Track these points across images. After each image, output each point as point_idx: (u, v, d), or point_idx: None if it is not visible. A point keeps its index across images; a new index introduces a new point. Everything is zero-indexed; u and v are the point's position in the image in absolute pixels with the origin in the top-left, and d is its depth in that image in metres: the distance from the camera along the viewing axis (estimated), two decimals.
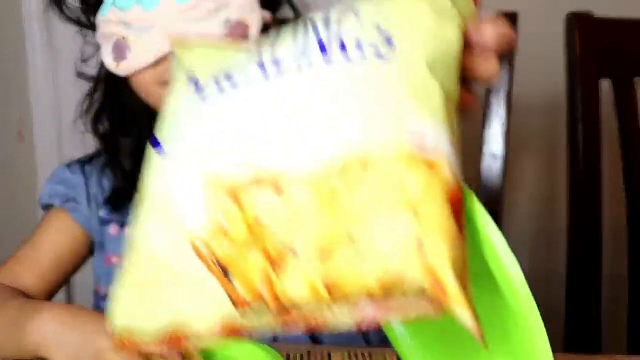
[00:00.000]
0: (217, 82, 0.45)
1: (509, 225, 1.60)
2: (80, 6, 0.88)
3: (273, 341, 0.90)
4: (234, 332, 0.40)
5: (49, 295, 0.89)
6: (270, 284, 0.39)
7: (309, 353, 0.78)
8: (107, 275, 0.92)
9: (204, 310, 0.41)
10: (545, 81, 1.60)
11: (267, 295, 0.39)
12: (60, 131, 1.98)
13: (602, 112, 1.14)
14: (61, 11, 0.90)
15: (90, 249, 0.94)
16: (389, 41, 0.41)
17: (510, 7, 1.13)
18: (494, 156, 1.13)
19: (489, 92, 1.12)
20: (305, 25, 0.45)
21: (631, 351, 1.19)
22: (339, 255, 0.38)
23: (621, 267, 1.21)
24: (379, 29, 0.41)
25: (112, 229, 0.91)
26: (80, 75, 0.93)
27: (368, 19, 0.42)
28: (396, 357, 0.64)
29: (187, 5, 0.79)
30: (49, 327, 0.70)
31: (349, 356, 0.79)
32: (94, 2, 0.85)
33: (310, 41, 0.43)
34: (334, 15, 0.44)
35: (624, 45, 1.15)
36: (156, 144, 0.48)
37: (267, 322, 0.40)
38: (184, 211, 0.43)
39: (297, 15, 0.94)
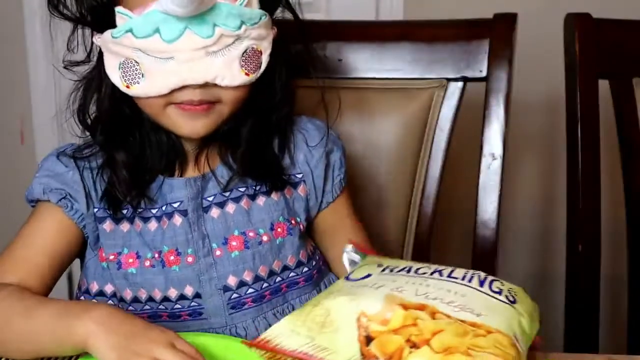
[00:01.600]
0: (400, 267, 0.74)
1: (508, 225, 1.60)
2: (82, 13, 0.87)
3: None
4: None
5: (47, 294, 0.89)
6: (400, 353, 0.62)
7: None
8: (102, 272, 0.91)
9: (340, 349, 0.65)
10: (544, 81, 1.60)
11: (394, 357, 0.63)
12: (61, 131, 1.98)
13: (601, 112, 1.14)
14: (60, 11, 0.89)
15: (82, 246, 0.93)
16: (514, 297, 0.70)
17: (510, 7, 1.14)
18: (494, 156, 1.13)
19: (488, 92, 1.12)
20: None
21: (631, 351, 1.19)
22: (456, 357, 0.62)
23: (621, 267, 1.21)
24: (510, 291, 0.71)
25: (107, 225, 0.91)
26: (71, 64, 0.91)
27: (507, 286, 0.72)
28: None
29: (208, 40, 0.80)
30: (100, 317, 0.74)
31: None
32: (102, 15, 0.84)
33: (477, 277, 0.71)
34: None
35: (622, 45, 1.16)
36: (349, 278, 0.74)
37: None
38: (366, 301, 0.67)
39: (295, 15, 0.94)
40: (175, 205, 0.90)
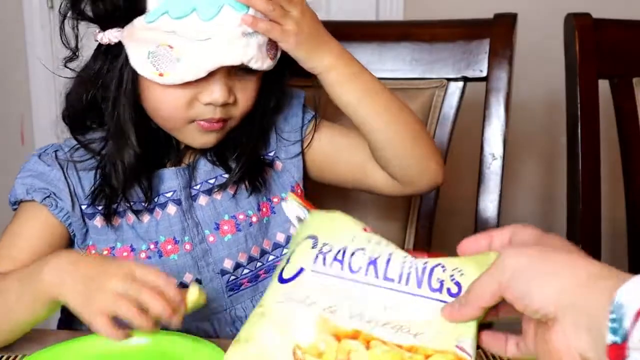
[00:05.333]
0: (335, 251, 0.69)
1: (508, 225, 1.60)
2: (106, 9, 0.84)
3: None
4: None
5: None
6: None
7: None
8: None
9: None
10: (544, 81, 1.60)
11: None
12: (60, 131, 1.98)
13: (601, 112, 1.15)
14: (79, 11, 0.86)
15: (67, 243, 0.92)
16: (458, 285, 0.65)
17: (510, 7, 1.14)
18: (494, 156, 1.13)
19: (488, 92, 1.12)
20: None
21: None
22: None
23: (621, 267, 1.21)
24: (452, 278, 0.66)
25: (98, 221, 0.90)
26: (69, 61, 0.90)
27: (450, 270, 0.66)
28: None
29: (245, 16, 0.80)
30: (58, 266, 0.76)
31: None
32: (127, 7, 0.83)
33: (415, 271, 0.66)
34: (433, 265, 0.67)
35: (622, 45, 1.16)
36: (282, 279, 0.68)
37: None
38: (298, 330, 0.65)
39: None
40: (169, 195, 0.91)
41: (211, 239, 0.91)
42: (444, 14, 1.20)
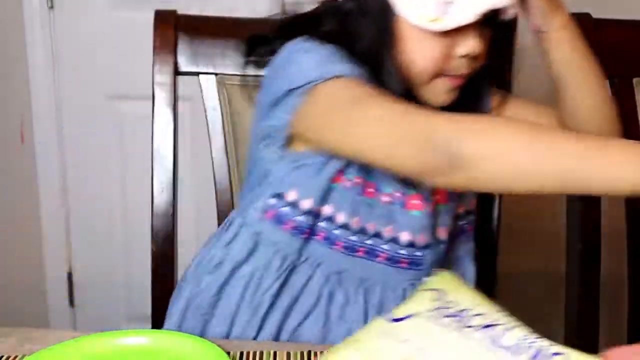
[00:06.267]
0: (457, 309, 0.68)
1: (508, 225, 1.59)
2: None
3: (274, 339, 0.90)
4: None
5: None
6: None
7: (309, 352, 0.78)
8: (323, 190, 0.86)
9: None
10: (544, 81, 1.60)
11: None
12: (61, 131, 1.98)
13: None
14: None
15: None
16: None
17: None
18: None
19: None
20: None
21: None
22: None
23: (621, 267, 1.21)
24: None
25: None
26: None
27: None
28: None
29: None
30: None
31: None
32: None
33: (534, 350, 0.64)
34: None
35: (622, 45, 1.16)
36: (391, 318, 0.69)
37: None
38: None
39: None
40: None
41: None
42: None
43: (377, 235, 0.88)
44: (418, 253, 0.89)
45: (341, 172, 0.86)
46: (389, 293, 0.89)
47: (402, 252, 0.88)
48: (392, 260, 0.89)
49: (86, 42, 1.92)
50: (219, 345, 0.76)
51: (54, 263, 2.06)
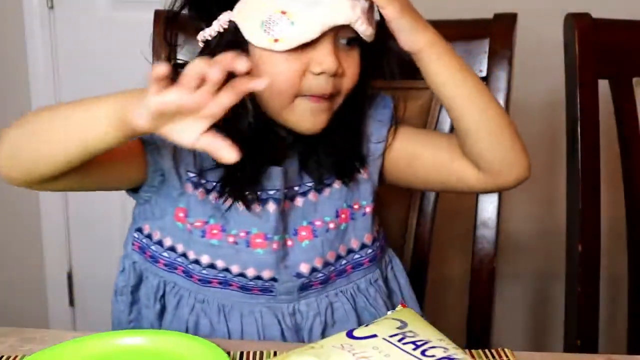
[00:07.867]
0: (417, 339, 0.73)
1: (508, 225, 1.60)
2: None
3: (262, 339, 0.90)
4: None
5: None
6: None
7: None
8: (180, 233, 0.91)
9: None
10: (544, 81, 1.60)
11: None
12: None
13: (601, 112, 1.14)
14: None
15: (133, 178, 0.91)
16: None
17: (510, 7, 1.14)
18: None
19: None
20: None
21: (630, 351, 1.19)
22: None
23: (621, 267, 1.21)
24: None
25: (200, 193, 0.90)
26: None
27: None
28: None
29: None
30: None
31: None
32: None
33: None
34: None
35: (622, 45, 1.15)
36: (351, 335, 0.73)
37: None
38: None
39: None
40: (271, 192, 0.91)
41: (289, 243, 0.92)
42: (444, 14, 1.19)
43: (226, 270, 0.91)
44: (267, 284, 0.92)
45: (185, 215, 0.91)
46: (246, 318, 0.93)
47: (251, 283, 0.92)
48: (245, 289, 0.92)
49: (86, 42, 1.92)
50: (219, 345, 0.76)
51: (54, 263, 2.06)
